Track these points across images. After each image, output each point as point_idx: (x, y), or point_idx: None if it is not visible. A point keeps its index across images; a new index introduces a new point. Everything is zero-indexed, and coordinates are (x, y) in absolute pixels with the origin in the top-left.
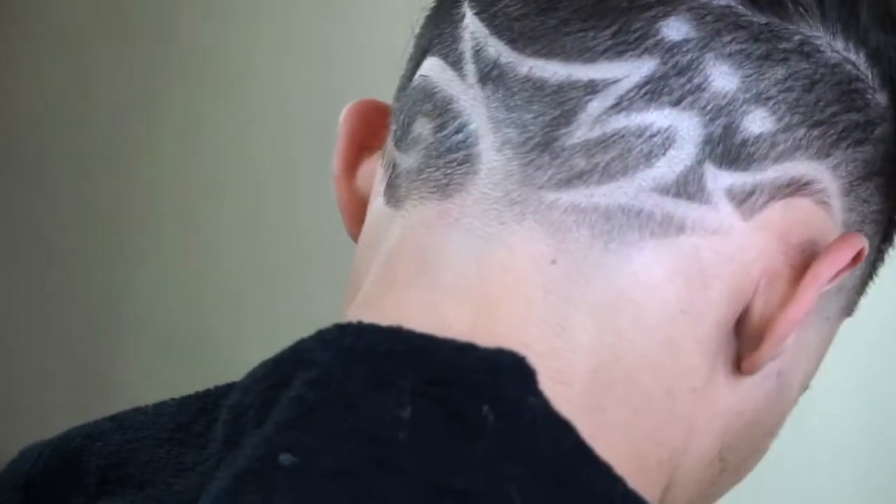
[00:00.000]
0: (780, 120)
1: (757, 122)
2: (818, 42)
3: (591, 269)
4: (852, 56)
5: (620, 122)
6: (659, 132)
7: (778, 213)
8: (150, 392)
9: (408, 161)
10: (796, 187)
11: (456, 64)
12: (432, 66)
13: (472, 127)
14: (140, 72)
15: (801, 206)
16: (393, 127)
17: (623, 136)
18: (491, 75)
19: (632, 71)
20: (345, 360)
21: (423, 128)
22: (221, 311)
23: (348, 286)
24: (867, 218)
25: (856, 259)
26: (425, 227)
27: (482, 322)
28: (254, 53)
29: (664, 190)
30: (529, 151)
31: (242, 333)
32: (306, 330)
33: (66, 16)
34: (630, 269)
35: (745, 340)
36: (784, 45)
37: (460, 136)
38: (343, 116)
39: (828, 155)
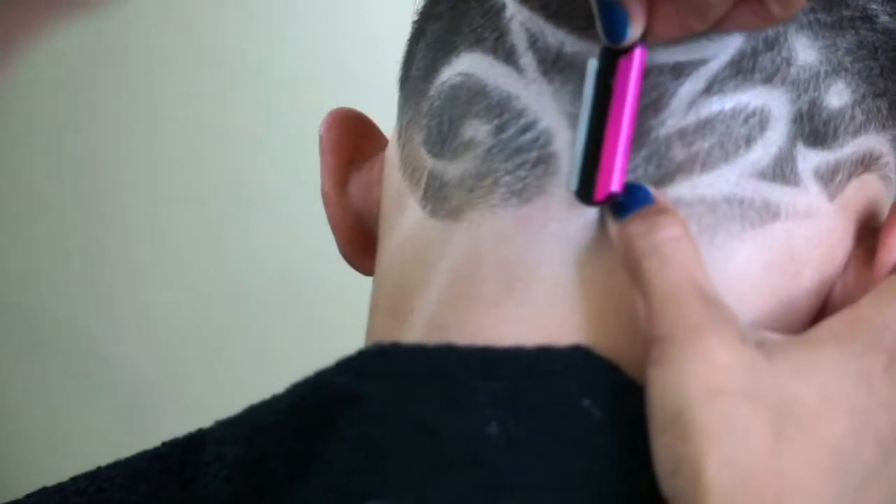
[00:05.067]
0: (854, 92)
1: (836, 95)
2: (874, 7)
3: None
4: None
5: (715, 105)
6: (755, 113)
7: (853, 191)
8: None
9: (457, 168)
10: (868, 163)
11: (509, 58)
12: (475, 63)
13: (543, 124)
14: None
15: (870, 184)
16: (421, 134)
17: (721, 121)
18: (557, 67)
19: (719, 50)
20: (404, 388)
21: (475, 130)
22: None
23: (384, 307)
24: None
25: None
26: (502, 238)
27: (594, 333)
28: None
29: (762, 175)
30: None
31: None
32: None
33: None
34: (735, 262)
35: None
36: (847, 12)
37: (529, 136)
38: (324, 129)
39: (889, 127)
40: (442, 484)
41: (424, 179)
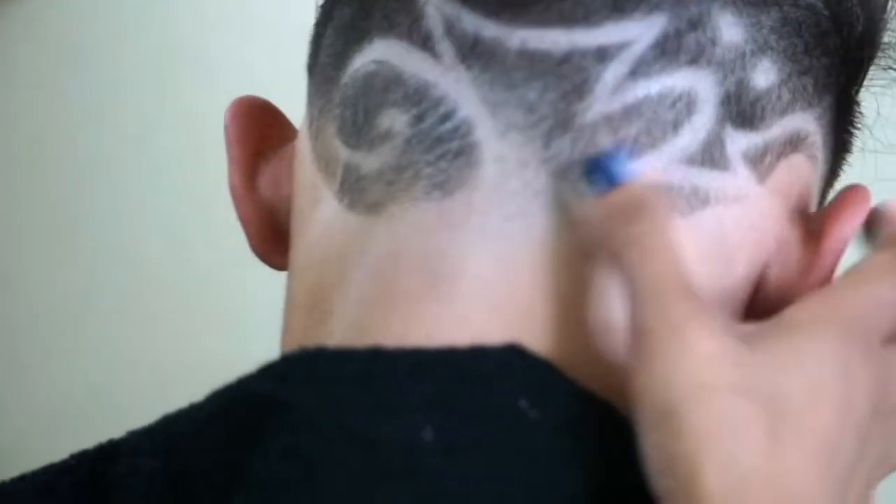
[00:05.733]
0: (780, 70)
1: (763, 74)
2: None
3: None
4: None
5: (640, 89)
6: (682, 96)
7: (783, 172)
8: None
9: (375, 160)
10: (796, 143)
11: (426, 44)
12: (389, 50)
13: (463, 113)
14: None
15: (799, 164)
16: (334, 124)
17: (648, 106)
18: (475, 53)
19: (643, 31)
20: (332, 394)
21: (392, 120)
22: None
23: (301, 307)
24: (829, 172)
25: None
26: (424, 232)
27: (524, 329)
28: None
29: (691, 160)
30: (545, 134)
31: None
32: None
33: None
34: None
35: (757, 315)
36: None
37: (449, 125)
38: (229, 119)
39: (815, 105)
40: (378, 494)
41: (340, 172)
